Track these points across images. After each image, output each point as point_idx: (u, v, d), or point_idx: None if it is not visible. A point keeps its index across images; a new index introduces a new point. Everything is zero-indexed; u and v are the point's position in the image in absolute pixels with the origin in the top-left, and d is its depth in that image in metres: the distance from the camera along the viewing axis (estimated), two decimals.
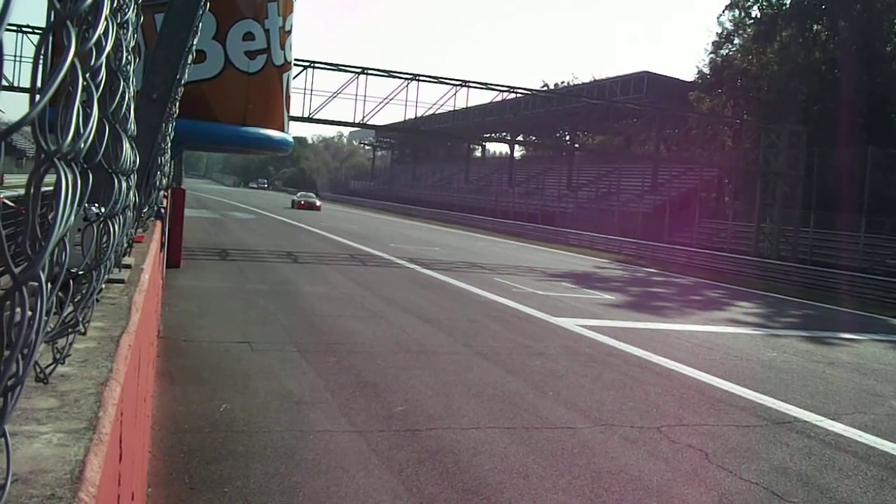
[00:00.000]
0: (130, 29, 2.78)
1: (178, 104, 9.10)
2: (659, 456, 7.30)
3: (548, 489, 6.19)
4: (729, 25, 51.42)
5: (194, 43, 8.39)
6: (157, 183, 8.45)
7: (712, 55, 52.39)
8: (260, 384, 8.59)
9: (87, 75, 1.53)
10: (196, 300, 14.25)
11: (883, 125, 38.89)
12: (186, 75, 8.72)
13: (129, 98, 2.93)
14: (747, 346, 14.71)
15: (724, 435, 8.31)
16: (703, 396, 10.05)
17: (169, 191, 16.28)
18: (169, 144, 9.84)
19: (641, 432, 8.03)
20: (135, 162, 3.45)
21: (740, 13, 50.45)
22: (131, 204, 4.02)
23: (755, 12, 49.68)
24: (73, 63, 1.30)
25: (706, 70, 53.17)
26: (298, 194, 77.04)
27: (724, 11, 51.73)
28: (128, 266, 4.45)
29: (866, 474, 7.33)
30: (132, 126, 3.24)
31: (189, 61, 8.33)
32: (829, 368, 13.04)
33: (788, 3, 47.10)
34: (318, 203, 69.77)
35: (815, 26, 45.81)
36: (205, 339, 10.81)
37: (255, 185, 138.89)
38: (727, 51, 51.63)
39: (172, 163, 16.62)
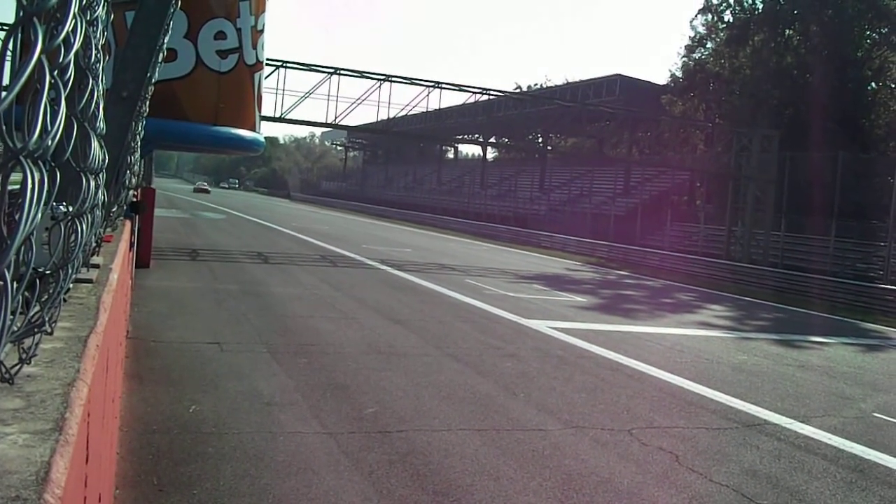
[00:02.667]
0: (100, 26, 2.76)
1: (148, 103, 9.03)
2: (629, 458, 7.32)
3: (518, 491, 6.19)
4: (702, 29, 51.89)
5: (165, 41, 8.33)
6: (127, 182, 8.39)
7: (685, 59, 52.85)
8: (230, 385, 8.54)
9: (56, 73, 1.52)
10: (166, 300, 14.14)
11: (854, 130, 39.33)
12: (157, 74, 8.66)
13: (98, 96, 2.91)
14: (718, 348, 14.80)
15: (694, 437, 8.35)
16: (674, 399, 10.10)
17: (138, 190, 16.15)
18: (139, 143, 9.77)
19: (612, 434, 8.06)
20: (104, 160, 3.42)
21: (713, 17, 50.90)
22: (100, 203, 3.98)
23: (728, 17, 50.17)
24: (40, 60, 1.29)
25: (679, 74, 53.61)
26: (197, 183, 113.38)
27: (697, 15, 52.26)
28: (96, 266, 4.41)
29: (835, 476, 7.40)
30: (101, 124, 3.21)
31: (160, 60, 8.27)
32: (800, 371, 13.15)
33: (761, 8, 47.52)
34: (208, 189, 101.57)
35: (788, 31, 46.23)
36: (175, 340, 10.73)
37: (226, 185, 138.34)
38: (700, 55, 52.05)
39: (142, 162, 16.50)
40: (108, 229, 6.49)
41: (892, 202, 30.78)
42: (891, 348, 17.96)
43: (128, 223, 9.72)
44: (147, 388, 8.09)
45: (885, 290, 27.25)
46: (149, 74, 7.60)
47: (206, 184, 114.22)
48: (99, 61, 2.84)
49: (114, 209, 7.00)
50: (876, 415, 10.34)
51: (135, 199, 12.44)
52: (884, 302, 26.16)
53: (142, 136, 9.99)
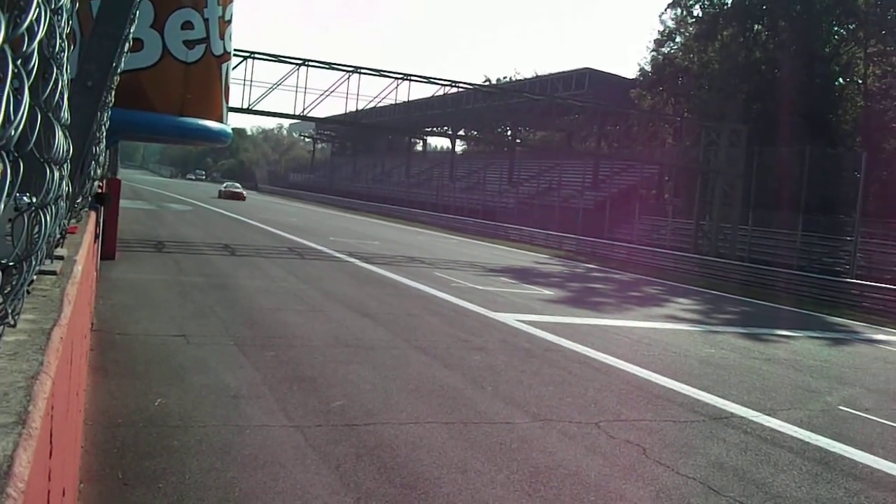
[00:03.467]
0: (65, 15, 2.72)
1: (114, 93, 8.93)
2: (597, 451, 7.36)
3: (486, 484, 6.21)
4: (671, 24, 52.16)
5: (131, 31, 8.24)
6: (92, 173, 8.29)
7: (654, 53, 53.15)
8: (196, 378, 8.49)
9: (19, 62, 1.49)
10: (131, 293, 14.02)
11: (821, 125, 39.73)
12: (123, 64, 8.56)
13: (62, 86, 2.87)
14: (685, 342, 14.91)
15: (661, 430, 8.41)
16: (642, 392, 10.16)
17: (104, 181, 15.98)
18: (104, 134, 9.66)
19: (580, 427, 8.10)
20: (68, 151, 3.38)
21: (682, 12, 51.15)
22: (64, 194, 3.94)
23: (697, 11, 50.44)
24: (2, 49, 1.27)
25: (648, 68, 53.88)
26: (225, 185, 79.20)
27: (666, 10, 52.54)
28: (60, 257, 4.36)
29: (801, 469, 7.48)
30: (66, 114, 3.17)
31: (126, 50, 8.17)
32: (766, 365, 13.28)
33: (730, 2, 47.86)
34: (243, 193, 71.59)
35: (756, 26, 46.61)
36: (140, 333, 10.64)
37: (193, 177, 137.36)
38: (669, 49, 52.35)
39: (108, 153, 16.34)
40: (73, 221, 6.42)
41: (858, 197, 31.13)
42: (856, 342, 18.18)
43: (93, 214, 9.62)
44: (112, 382, 8.02)
45: (850, 284, 27.60)
46: (114, 64, 7.51)
47: (238, 185, 78.07)
48: (64, 50, 2.80)
49: (78, 200, 6.92)
50: (841, 408, 10.47)
51: (100, 191, 12.32)
52: (849, 296, 26.49)
53: (107, 126, 9.88)
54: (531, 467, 6.69)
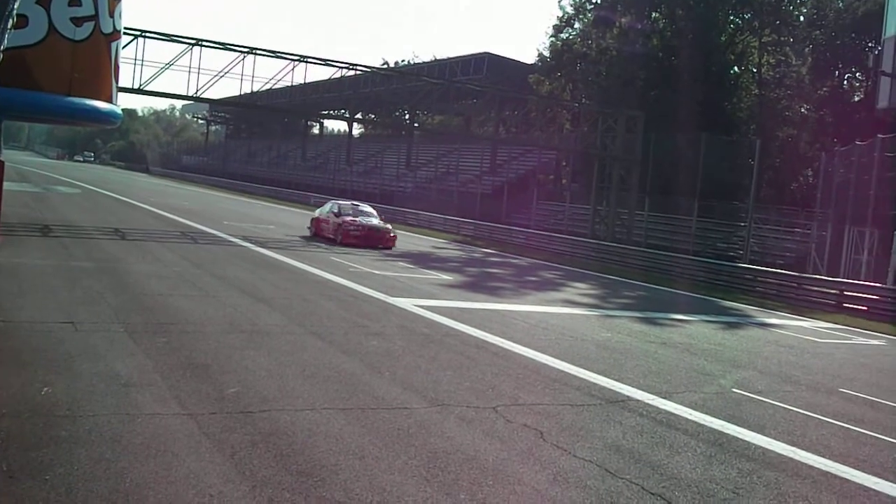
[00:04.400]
0: None
1: None
2: (495, 435, 7.40)
3: (384, 470, 6.18)
4: (570, 10, 52.68)
5: (16, 6, 7.93)
6: None
7: (553, 39, 53.58)
8: (85, 366, 8.23)
9: None
10: (15, 278, 13.54)
11: (717, 113, 40.78)
12: (7, 41, 8.23)
13: None
14: (582, 326, 15.14)
15: (558, 414, 8.50)
16: (539, 376, 10.26)
17: None
18: None
19: (477, 412, 8.13)
20: None
21: None
22: None
23: None
24: None
25: (546, 53, 54.37)
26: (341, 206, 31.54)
27: None
28: None
29: (696, 451, 7.65)
30: None
31: (10, 26, 7.86)
32: (662, 349, 13.56)
33: None
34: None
35: (654, 14, 47.45)
36: (25, 320, 10.28)
37: (82, 159, 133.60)
38: (568, 35, 52.85)
39: None
40: None
41: (752, 184, 32.08)
42: (749, 325, 18.73)
43: None
44: None
45: (744, 269, 28.45)
46: None
47: (372, 210, 32.22)
48: None
49: None
50: (735, 390, 10.75)
51: None
52: (743, 280, 27.27)
53: None
54: (429, 452, 6.69)
